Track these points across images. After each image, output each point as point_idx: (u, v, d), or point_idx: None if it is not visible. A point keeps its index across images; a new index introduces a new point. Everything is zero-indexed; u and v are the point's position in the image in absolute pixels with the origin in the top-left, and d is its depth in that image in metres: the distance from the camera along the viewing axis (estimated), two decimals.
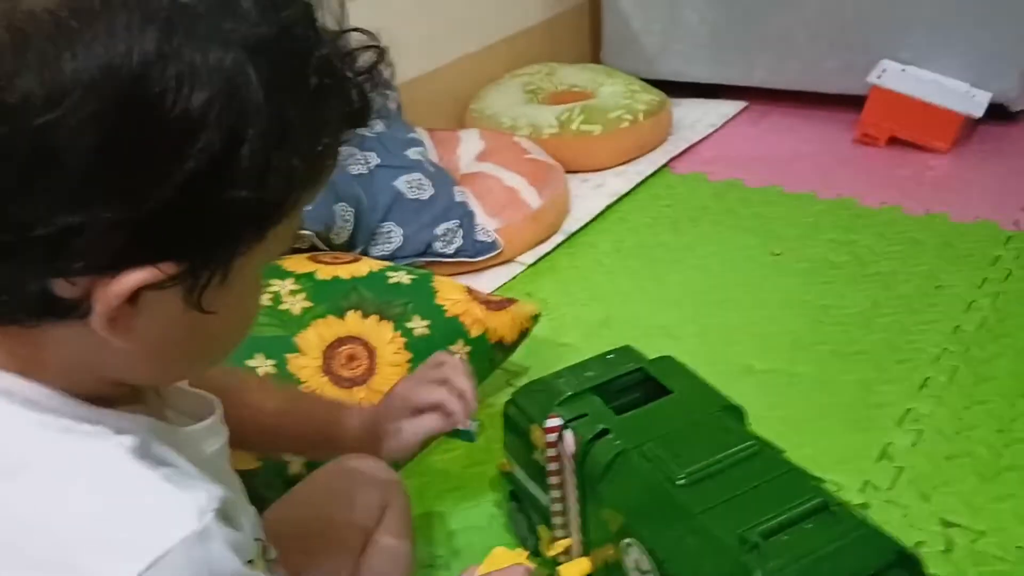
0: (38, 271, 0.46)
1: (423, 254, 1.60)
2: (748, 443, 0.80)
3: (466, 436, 1.30)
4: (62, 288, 0.47)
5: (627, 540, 0.78)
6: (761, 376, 1.35)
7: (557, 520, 0.92)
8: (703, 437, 0.81)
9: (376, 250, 1.56)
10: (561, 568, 0.88)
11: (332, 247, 1.44)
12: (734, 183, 1.96)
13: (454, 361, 0.95)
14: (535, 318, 1.32)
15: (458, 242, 1.63)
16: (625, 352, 0.99)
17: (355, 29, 0.54)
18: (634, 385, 0.94)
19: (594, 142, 2.00)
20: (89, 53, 0.43)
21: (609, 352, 0.99)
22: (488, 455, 1.25)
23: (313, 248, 1.41)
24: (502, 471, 1.06)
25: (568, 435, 0.86)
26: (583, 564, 0.89)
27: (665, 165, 2.06)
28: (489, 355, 1.27)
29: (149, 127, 0.44)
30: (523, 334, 1.31)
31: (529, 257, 1.72)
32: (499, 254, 1.67)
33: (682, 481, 0.76)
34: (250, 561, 0.67)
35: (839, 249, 1.67)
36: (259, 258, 0.52)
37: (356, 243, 1.50)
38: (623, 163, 2.05)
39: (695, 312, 1.52)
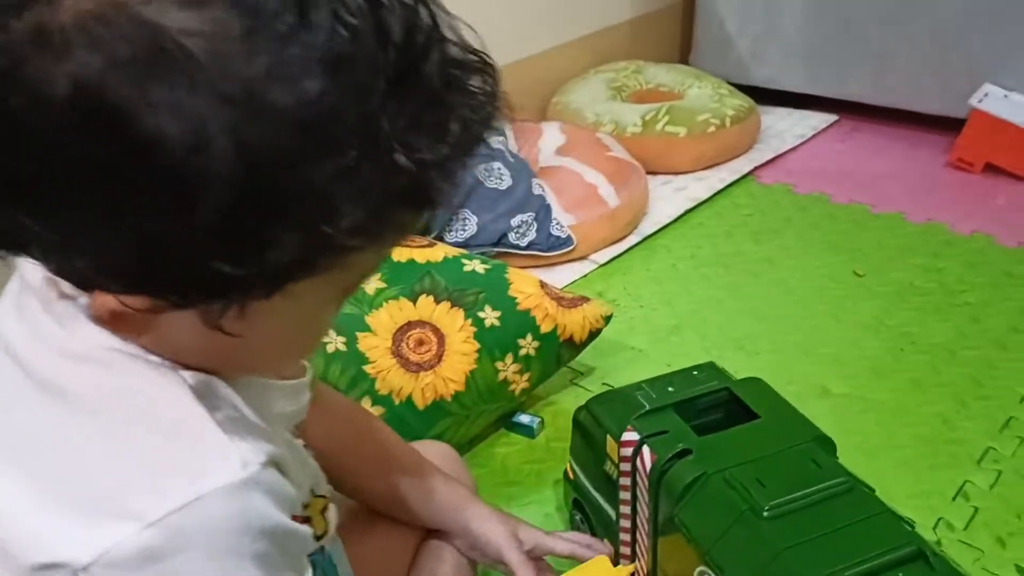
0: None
1: (496, 244, 1.57)
2: (840, 479, 0.75)
3: (526, 431, 1.28)
4: None
5: (701, 569, 0.75)
6: (837, 400, 1.29)
7: (624, 537, 0.88)
8: (791, 468, 0.77)
9: (450, 237, 1.54)
10: None
11: None
12: (820, 198, 1.90)
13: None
14: (607, 319, 1.29)
15: (532, 235, 1.59)
16: (709, 369, 0.95)
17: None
18: (717, 405, 0.90)
19: (678, 144, 1.95)
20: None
21: (693, 368, 0.95)
22: (547, 453, 1.22)
23: None
24: (566, 477, 1.03)
25: (646, 451, 0.83)
26: None
27: (749, 173, 2.00)
28: (557, 352, 1.24)
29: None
30: (593, 334, 1.28)
31: (602, 256, 1.68)
32: (572, 250, 1.64)
33: (767, 513, 0.72)
34: (307, 519, 0.65)
35: (926, 275, 1.60)
36: (288, 305, 0.47)
37: (431, 227, 1.48)
38: (706, 168, 2.00)
39: (770, 327, 1.47)
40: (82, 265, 0.44)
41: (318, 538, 0.67)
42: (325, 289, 0.49)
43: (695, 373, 0.94)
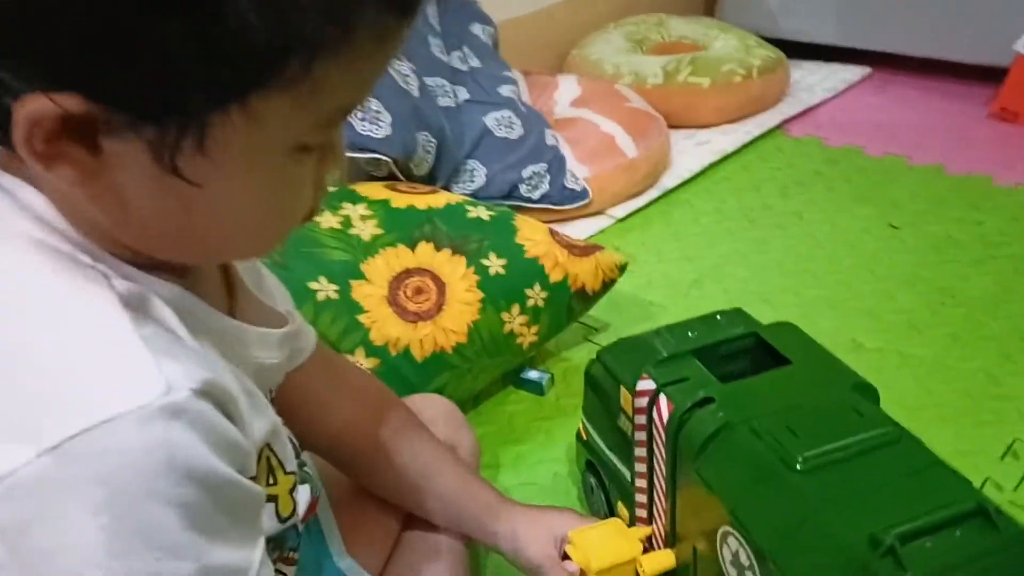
0: None
1: (507, 197, 1.48)
2: (885, 428, 0.66)
3: (535, 388, 1.19)
4: None
5: (725, 529, 0.66)
6: (870, 355, 1.20)
7: (640, 498, 0.79)
8: (829, 417, 0.67)
9: (458, 188, 1.45)
10: (642, 558, 0.76)
11: (411, 179, 1.33)
12: (852, 151, 1.79)
13: None
14: (621, 268, 1.20)
15: (544, 187, 1.50)
16: (735, 314, 0.86)
17: None
18: (743, 352, 0.81)
19: (701, 96, 1.85)
20: None
21: (717, 313, 0.85)
22: (558, 411, 1.13)
23: (391, 177, 1.30)
24: (579, 439, 0.94)
25: (663, 400, 0.73)
26: (666, 557, 0.76)
27: (778, 127, 1.90)
28: (568, 303, 1.15)
29: None
30: (607, 284, 1.18)
31: (620, 211, 1.59)
32: (587, 204, 1.55)
33: (801, 465, 0.63)
34: (272, 497, 0.58)
35: (966, 228, 1.50)
36: (253, 135, 0.40)
37: (437, 177, 1.39)
38: (732, 121, 1.90)
39: (798, 281, 1.37)
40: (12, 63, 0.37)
41: (284, 520, 0.60)
42: (294, 116, 0.41)
43: (719, 318, 0.84)
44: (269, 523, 0.59)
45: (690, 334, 0.82)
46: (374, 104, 1.25)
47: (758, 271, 1.41)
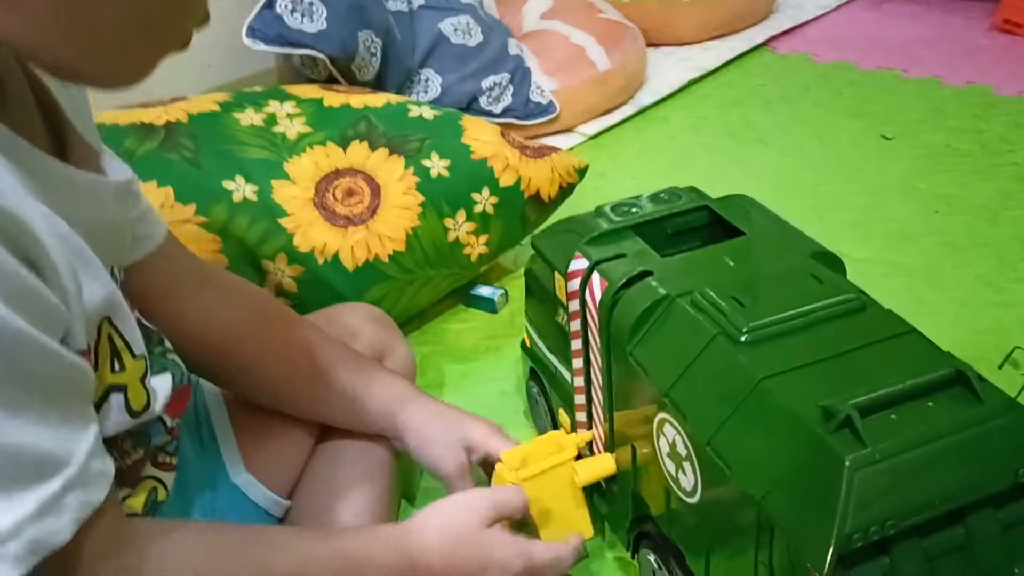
0: None
1: (466, 110, 1.36)
2: (848, 295, 0.55)
3: (487, 305, 1.09)
4: None
5: (661, 416, 0.55)
6: (857, 265, 1.06)
7: (579, 400, 0.69)
8: (783, 285, 0.57)
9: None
10: (577, 465, 0.66)
11: (355, 84, 1.22)
12: (843, 66, 1.67)
13: None
14: (581, 171, 1.09)
15: (507, 100, 1.39)
16: (687, 191, 0.75)
17: None
18: (694, 231, 0.70)
19: (681, 9, 1.73)
20: None
21: (662, 191, 0.75)
22: (511, 328, 1.03)
23: (331, 81, 1.19)
24: (523, 347, 0.84)
25: (595, 279, 0.63)
26: (604, 462, 0.66)
27: (764, 44, 1.78)
28: (521, 210, 1.04)
29: None
30: (565, 190, 1.08)
31: (591, 127, 1.47)
32: (556, 119, 1.43)
33: (747, 336, 0.52)
34: (120, 387, 0.48)
35: (965, 136, 1.38)
36: None
37: (386, 86, 1.27)
38: (714, 38, 1.77)
39: (780, 194, 1.26)
40: None
41: (137, 413, 0.50)
42: None
43: (664, 195, 0.73)
44: (119, 416, 0.49)
45: (634, 210, 0.71)
46: None
47: (737, 186, 1.28)
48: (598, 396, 0.67)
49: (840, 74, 1.64)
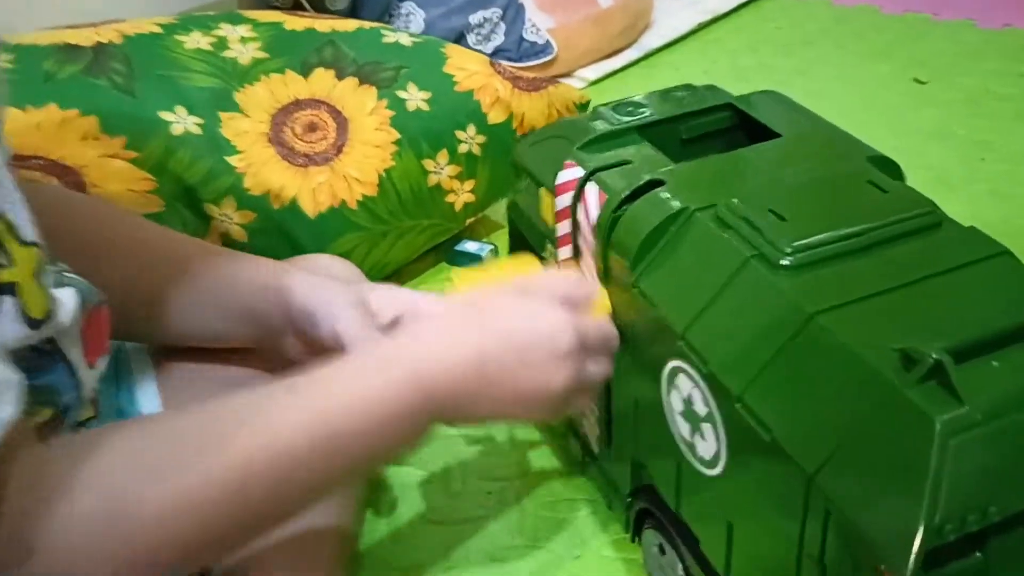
0: None
1: None
2: (920, 208, 0.43)
3: (474, 262, 0.96)
4: None
5: (673, 364, 0.43)
6: None
7: None
8: (836, 195, 0.44)
9: None
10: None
11: (323, 14, 1.09)
12: (867, 9, 1.53)
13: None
14: (583, 106, 0.95)
15: (499, 38, 1.25)
16: (706, 90, 0.62)
17: None
18: (716, 134, 0.57)
19: None
20: None
21: (675, 88, 0.62)
22: None
23: (298, 7, 1.06)
24: None
25: (591, 192, 0.50)
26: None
27: None
28: (511, 153, 0.91)
29: None
30: None
31: (592, 72, 1.34)
32: (552, 61, 1.30)
33: (790, 260, 0.40)
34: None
35: (1005, 80, 1.25)
36: None
37: (360, 18, 1.14)
38: None
39: None
40: None
41: (36, 324, 0.37)
42: None
43: (679, 95, 0.61)
44: (14, 327, 0.36)
45: (643, 111, 0.58)
46: None
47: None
48: None
49: (863, 17, 1.50)
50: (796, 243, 0.40)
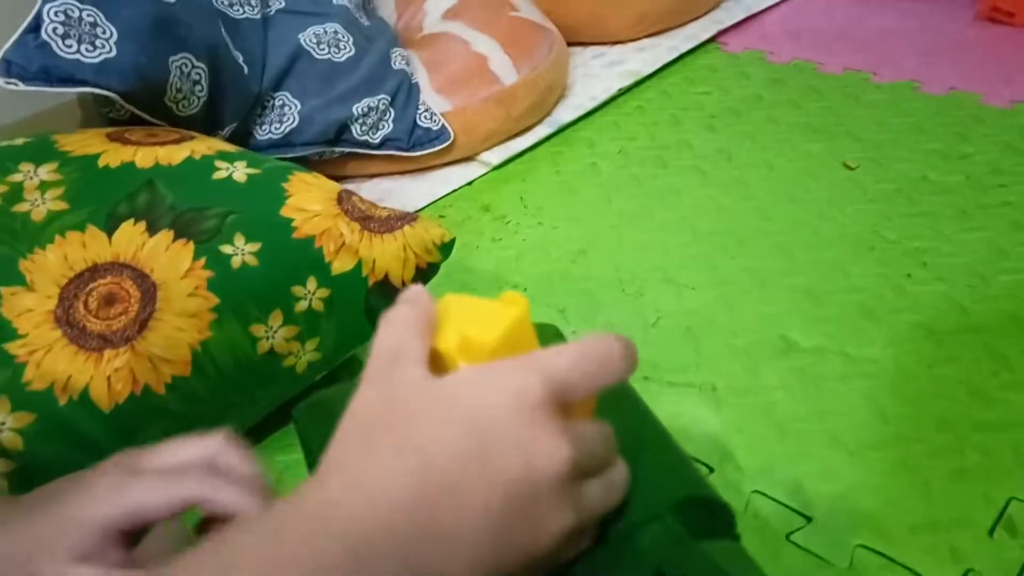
0: None
1: (335, 142, 1.11)
2: None
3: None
4: None
5: None
6: (806, 358, 0.84)
7: None
8: None
9: (261, 132, 1.08)
10: None
11: (177, 122, 0.96)
12: (803, 67, 1.42)
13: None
14: (444, 247, 0.83)
15: (387, 128, 1.13)
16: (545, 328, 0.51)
17: None
18: None
19: (612, 3, 1.46)
20: None
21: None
22: None
23: (136, 121, 0.93)
24: None
25: None
26: None
27: (711, 40, 1.52)
28: (366, 302, 0.79)
29: None
30: (424, 272, 0.82)
31: (495, 155, 1.22)
32: (450, 148, 1.17)
33: None
34: None
35: (947, 166, 1.13)
36: None
37: (222, 119, 1.01)
38: (654, 34, 1.51)
39: (717, 247, 1.02)
40: None
41: None
42: None
43: None
44: None
45: None
46: (88, 15, 0.86)
47: (665, 234, 1.05)
48: None
49: (798, 78, 1.39)
50: None
